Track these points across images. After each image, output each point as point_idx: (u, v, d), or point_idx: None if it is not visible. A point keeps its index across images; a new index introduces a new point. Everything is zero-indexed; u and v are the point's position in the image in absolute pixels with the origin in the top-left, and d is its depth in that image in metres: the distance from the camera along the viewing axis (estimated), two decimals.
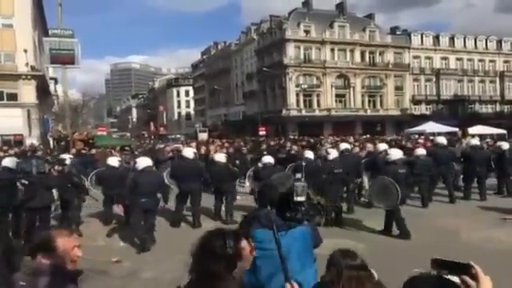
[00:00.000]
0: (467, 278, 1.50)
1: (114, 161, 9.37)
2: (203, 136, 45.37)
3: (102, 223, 8.67)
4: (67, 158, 9.44)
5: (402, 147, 14.44)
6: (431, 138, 20.03)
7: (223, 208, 9.06)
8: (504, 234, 7.13)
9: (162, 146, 19.85)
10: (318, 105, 47.88)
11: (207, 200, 9.27)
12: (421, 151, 10.76)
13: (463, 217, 8.45)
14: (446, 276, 1.51)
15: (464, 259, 1.45)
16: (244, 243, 1.74)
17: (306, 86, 47.31)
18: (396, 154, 8.11)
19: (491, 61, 56.50)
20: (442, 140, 12.07)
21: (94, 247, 6.60)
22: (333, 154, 9.15)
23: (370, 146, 13.00)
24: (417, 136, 25.21)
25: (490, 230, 7.35)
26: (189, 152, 9.48)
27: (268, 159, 9.66)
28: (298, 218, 2.87)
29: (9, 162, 7.58)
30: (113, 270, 5.69)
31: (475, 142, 12.58)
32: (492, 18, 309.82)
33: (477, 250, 6.10)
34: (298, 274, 2.62)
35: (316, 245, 3.02)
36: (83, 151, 18.56)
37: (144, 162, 7.62)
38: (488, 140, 18.99)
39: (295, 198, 2.88)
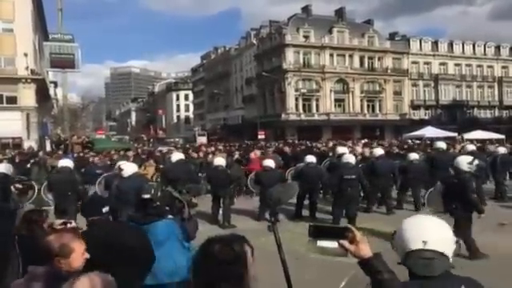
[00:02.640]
0: (345, 242, 1.54)
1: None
2: (202, 140, 45.44)
3: None
4: (69, 163, 8.24)
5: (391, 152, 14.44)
6: (428, 142, 19.96)
7: (220, 212, 9.01)
8: (500, 239, 7.15)
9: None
10: (317, 109, 48.02)
11: (204, 204, 9.04)
12: (414, 156, 10.77)
13: None
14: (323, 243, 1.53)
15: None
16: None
17: (305, 91, 47.44)
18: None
19: (489, 66, 56.72)
20: (442, 145, 12.03)
21: None
22: (348, 159, 8.75)
23: (366, 151, 13.02)
24: (410, 141, 25.07)
25: (485, 235, 7.35)
26: (178, 156, 9.72)
27: (268, 163, 9.70)
28: (153, 212, 3.24)
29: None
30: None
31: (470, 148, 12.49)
32: (486, 25, 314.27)
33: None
34: (165, 260, 3.00)
35: (190, 237, 3.35)
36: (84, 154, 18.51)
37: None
38: (479, 145, 18.78)
39: (141, 196, 3.32)
